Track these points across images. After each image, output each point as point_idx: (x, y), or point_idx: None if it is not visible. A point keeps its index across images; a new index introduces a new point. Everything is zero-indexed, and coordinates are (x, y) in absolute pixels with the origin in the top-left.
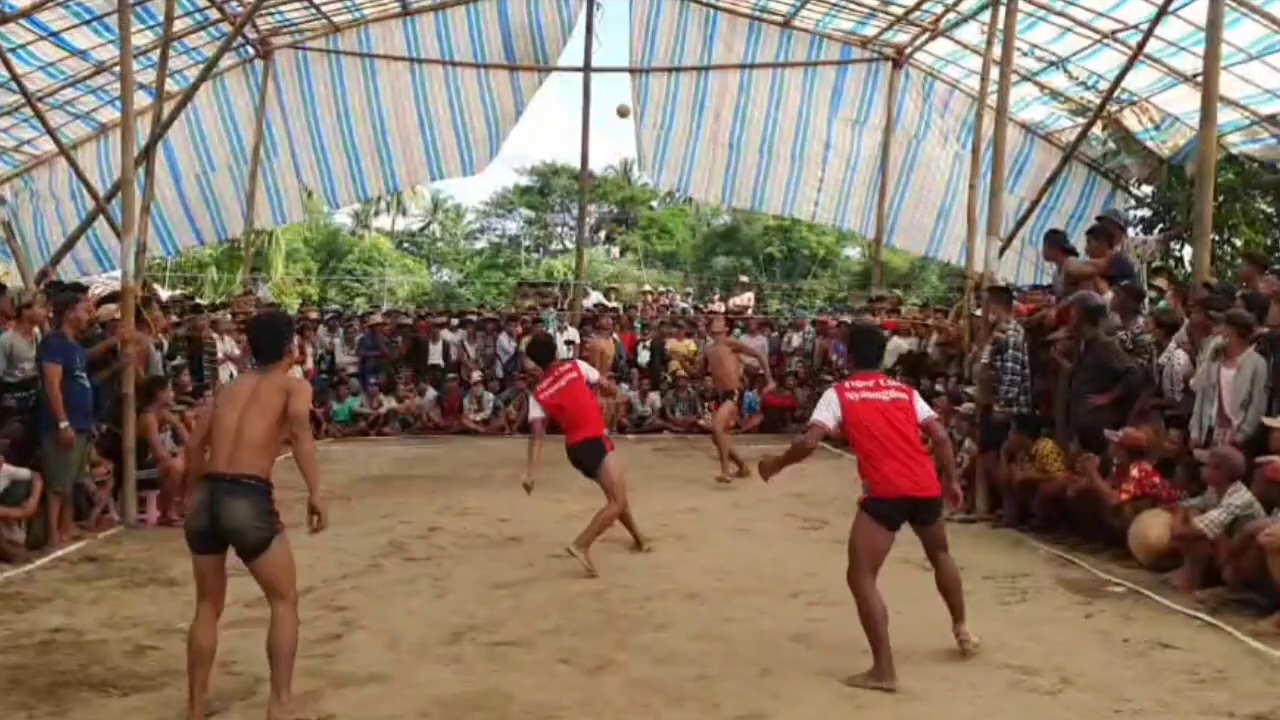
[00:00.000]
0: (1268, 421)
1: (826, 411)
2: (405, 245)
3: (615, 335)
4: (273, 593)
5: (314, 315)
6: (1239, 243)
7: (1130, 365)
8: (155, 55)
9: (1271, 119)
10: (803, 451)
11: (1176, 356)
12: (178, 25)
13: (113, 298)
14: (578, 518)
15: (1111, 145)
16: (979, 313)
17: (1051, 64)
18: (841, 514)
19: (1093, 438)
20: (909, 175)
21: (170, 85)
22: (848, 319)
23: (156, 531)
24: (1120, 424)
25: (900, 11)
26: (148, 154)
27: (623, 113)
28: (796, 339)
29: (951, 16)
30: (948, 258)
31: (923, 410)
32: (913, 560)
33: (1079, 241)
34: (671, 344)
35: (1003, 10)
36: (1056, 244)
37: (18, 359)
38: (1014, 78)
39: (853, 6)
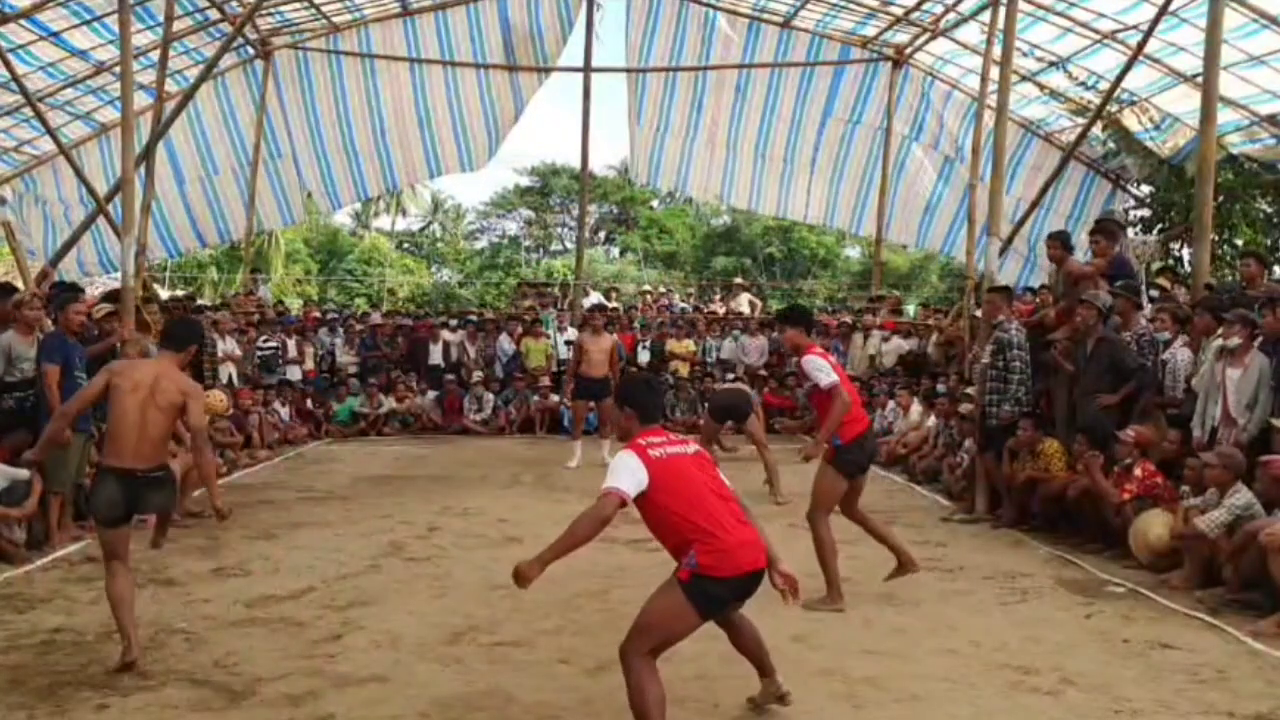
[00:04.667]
0: (1273, 421)
1: (627, 477)
2: (405, 245)
3: (615, 335)
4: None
5: (316, 315)
6: (1239, 243)
7: (1143, 363)
8: (155, 55)
9: (1271, 119)
10: (592, 529)
11: (1181, 354)
12: (178, 25)
13: (111, 297)
14: None
15: (1111, 145)
16: (979, 313)
17: (1051, 64)
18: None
19: (1096, 436)
20: (900, 173)
21: (170, 85)
22: (848, 319)
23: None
24: (1124, 423)
25: (900, 11)
26: (148, 154)
27: None
28: None
29: (951, 16)
30: (933, 247)
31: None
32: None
33: (1081, 242)
34: (671, 344)
35: (1003, 10)
36: (1062, 243)
37: (17, 359)
38: (1014, 78)
39: (853, 6)
